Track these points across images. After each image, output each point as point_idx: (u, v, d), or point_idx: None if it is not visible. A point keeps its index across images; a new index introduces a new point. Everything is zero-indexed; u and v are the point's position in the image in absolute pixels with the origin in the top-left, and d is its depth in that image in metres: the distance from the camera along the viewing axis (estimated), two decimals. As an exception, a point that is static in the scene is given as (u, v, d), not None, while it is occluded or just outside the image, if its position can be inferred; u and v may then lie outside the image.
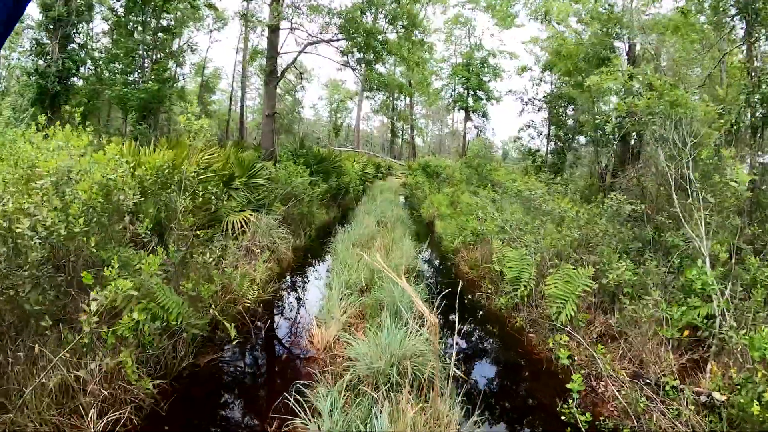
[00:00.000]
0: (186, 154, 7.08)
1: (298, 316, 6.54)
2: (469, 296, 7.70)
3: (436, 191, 17.89)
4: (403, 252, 8.06)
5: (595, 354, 4.90)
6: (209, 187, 6.27)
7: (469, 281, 8.30)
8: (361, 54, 14.58)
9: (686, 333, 4.66)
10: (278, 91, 42.36)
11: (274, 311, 6.62)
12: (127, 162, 4.35)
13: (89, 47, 21.12)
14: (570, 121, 26.65)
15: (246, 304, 6.19)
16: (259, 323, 5.87)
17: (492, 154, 26.52)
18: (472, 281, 8.26)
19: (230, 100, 38.75)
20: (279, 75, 14.34)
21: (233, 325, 5.05)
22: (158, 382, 4.48)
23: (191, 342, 4.97)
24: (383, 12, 15.12)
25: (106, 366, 4.07)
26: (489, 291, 7.41)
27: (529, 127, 26.64)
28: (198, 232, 5.41)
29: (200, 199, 5.40)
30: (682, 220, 5.36)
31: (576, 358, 5.23)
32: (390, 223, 11.41)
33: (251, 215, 8.57)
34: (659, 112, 7.47)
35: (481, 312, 7.05)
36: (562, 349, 4.85)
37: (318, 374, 4.28)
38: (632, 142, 20.65)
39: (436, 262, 10.27)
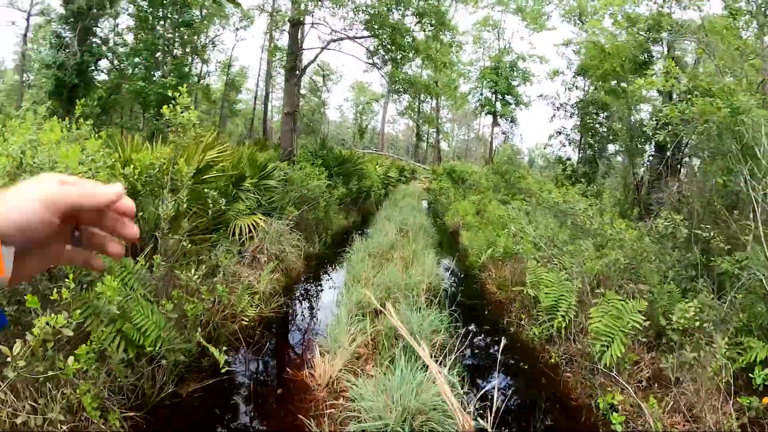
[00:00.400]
0: (187, 152, 6.47)
1: (301, 339, 5.81)
2: (496, 320, 6.93)
3: (461, 198, 17.07)
4: (424, 267, 7.31)
5: (645, 409, 4.08)
6: (207, 190, 5.62)
7: (496, 303, 7.50)
8: (387, 53, 13.85)
9: (765, 400, 3.81)
10: (303, 91, 42.14)
11: (275, 332, 5.92)
12: (94, 160, 3.69)
13: (112, 42, 20.92)
14: (602, 129, 25.55)
15: (243, 323, 5.53)
16: (255, 347, 5.18)
17: (520, 161, 25.61)
18: (501, 304, 7.45)
19: (255, 98, 38.63)
20: (300, 71, 13.71)
21: (224, 348, 4.40)
22: (131, 414, 3.85)
23: (173, 368, 4.32)
24: (411, 10, 14.38)
25: (68, 396, 3.45)
26: (520, 317, 6.61)
27: (560, 133, 25.57)
28: (185, 242, 4.75)
29: (184, 205, 4.73)
30: (765, 248, 4.48)
31: (620, 407, 4.41)
32: (412, 231, 10.66)
33: (261, 219, 7.94)
34: (717, 121, 6.57)
35: (510, 342, 6.26)
36: (614, 414, 4.03)
37: (314, 422, 3.56)
38: (668, 153, 19.66)
39: (461, 279, 9.42)
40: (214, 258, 5.89)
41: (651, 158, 20.71)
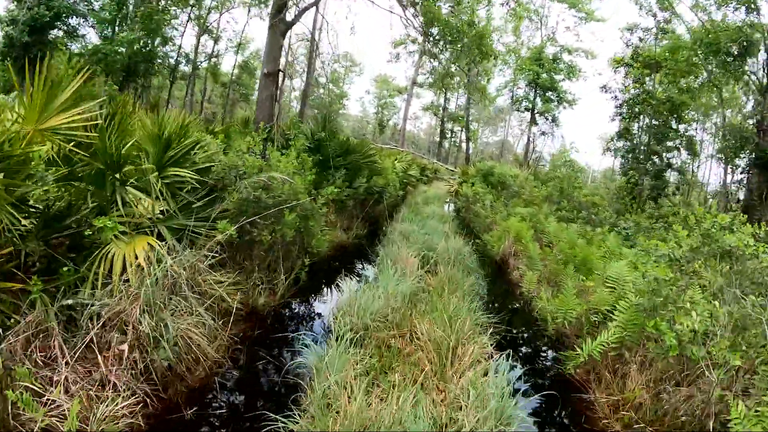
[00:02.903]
0: None
1: None
2: None
3: (504, 208, 12.78)
4: (480, 389, 3.11)
5: None
6: None
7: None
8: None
9: None
10: (322, 80, 38.31)
11: None
12: None
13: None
14: (675, 134, 20.99)
15: None
16: None
17: (579, 167, 21.27)
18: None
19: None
20: (293, 19, 9.59)
21: None
22: None
23: None
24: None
25: None
26: None
27: (621, 136, 20.97)
28: None
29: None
30: None
31: None
32: (442, 267, 6.49)
33: (147, 248, 3.90)
34: None
35: None
36: None
37: None
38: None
39: (541, 399, 4.14)
40: None
41: (750, 175, 16.35)
